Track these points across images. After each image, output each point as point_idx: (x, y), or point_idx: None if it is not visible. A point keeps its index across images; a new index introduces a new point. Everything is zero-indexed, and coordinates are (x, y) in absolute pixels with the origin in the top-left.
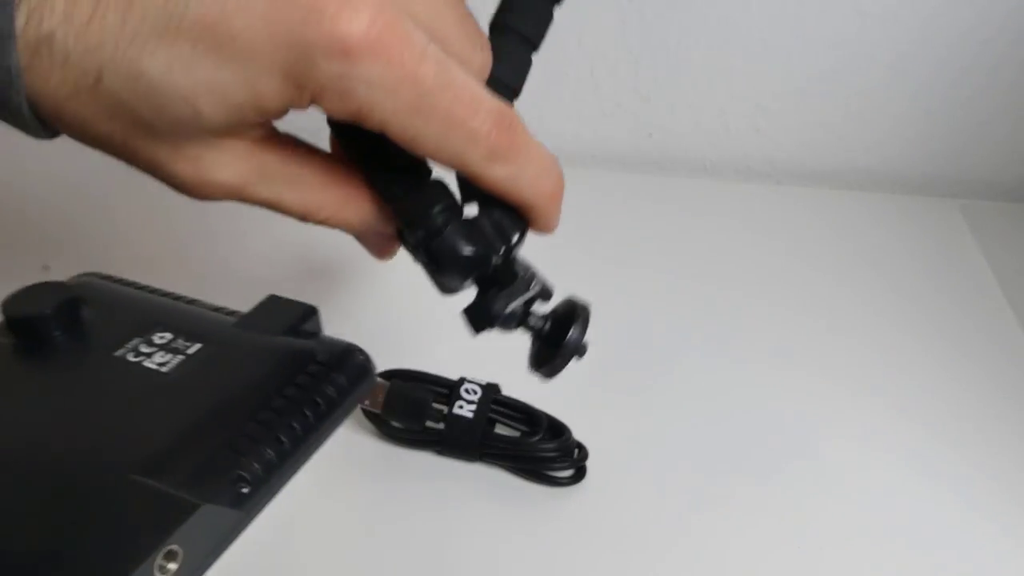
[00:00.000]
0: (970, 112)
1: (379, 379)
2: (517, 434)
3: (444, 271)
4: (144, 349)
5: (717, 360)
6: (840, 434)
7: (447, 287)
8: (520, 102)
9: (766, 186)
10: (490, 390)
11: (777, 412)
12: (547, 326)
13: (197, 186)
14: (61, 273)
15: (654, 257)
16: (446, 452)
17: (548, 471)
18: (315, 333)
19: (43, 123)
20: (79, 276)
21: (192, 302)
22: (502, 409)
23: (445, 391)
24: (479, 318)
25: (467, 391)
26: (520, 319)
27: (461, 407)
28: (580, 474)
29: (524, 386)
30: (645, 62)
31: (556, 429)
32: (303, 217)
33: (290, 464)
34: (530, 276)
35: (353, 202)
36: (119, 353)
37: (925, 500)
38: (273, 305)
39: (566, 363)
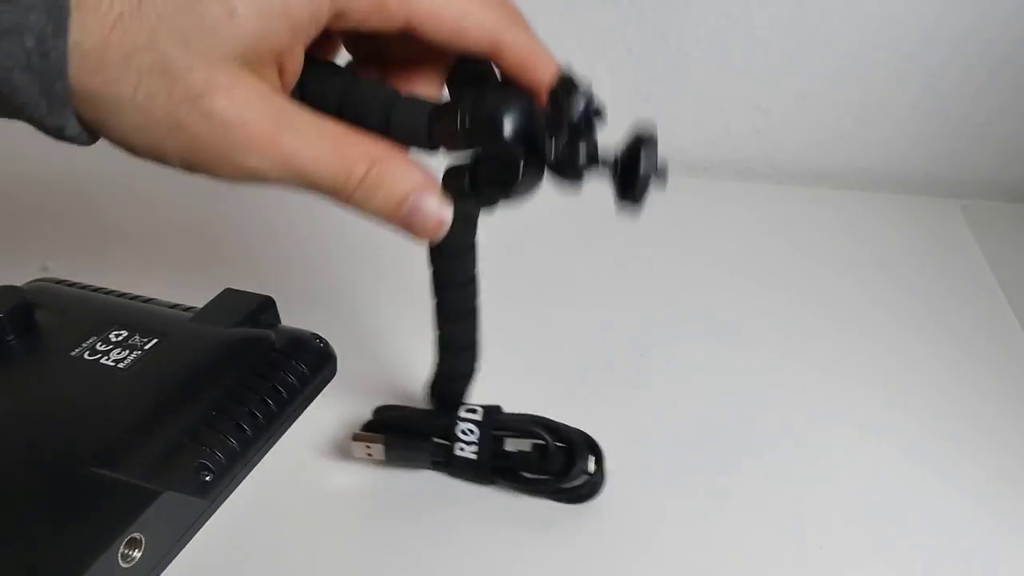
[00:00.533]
0: (971, 112)
1: (369, 436)
2: (528, 448)
3: (498, 136)
4: (100, 347)
5: (717, 360)
6: (844, 435)
7: (508, 160)
8: None
9: (766, 186)
10: (490, 417)
11: (778, 413)
12: (620, 156)
13: (231, 124)
14: (60, 274)
15: (654, 257)
16: (457, 475)
17: (564, 484)
18: (273, 324)
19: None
20: (32, 282)
21: (148, 301)
22: (506, 432)
23: (442, 424)
24: (567, 171)
25: (464, 432)
26: (591, 155)
27: (462, 449)
28: (597, 487)
29: (537, 396)
30: (645, 62)
31: (570, 440)
32: (335, 180)
33: (252, 451)
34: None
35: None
36: (76, 352)
37: (926, 500)
38: (229, 298)
39: (647, 187)
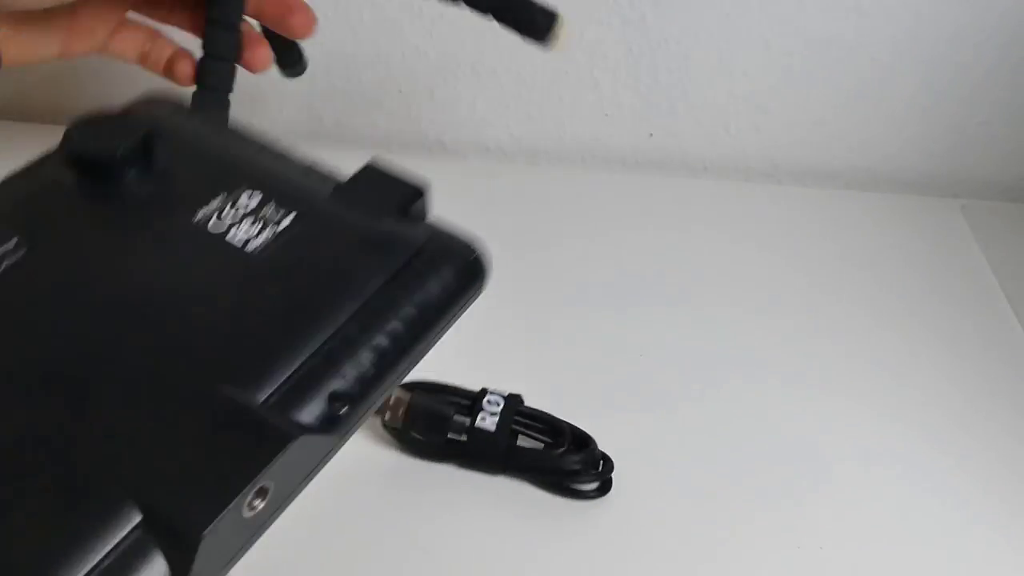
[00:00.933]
0: (971, 111)
1: (400, 391)
2: (541, 446)
3: None
4: (228, 214)
5: (718, 361)
6: (844, 435)
7: None
8: (520, 101)
9: (766, 186)
10: (513, 401)
11: (778, 413)
12: None
13: None
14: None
15: (654, 257)
16: (468, 465)
17: (573, 484)
18: (422, 218)
19: None
20: (147, 100)
21: (280, 157)
22: (525, 420)
23: (467, 403)
24: None
25: (490, 403)
26: None
27: (484, 419)
28: (605, 487)
29: (547, 396)
30: (645, 62)
31: (581, 441)
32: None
33: (388, 380)
34: None
35: None
36: (199, 217)
37: (926, 501)
38: (375, 176)
39: None
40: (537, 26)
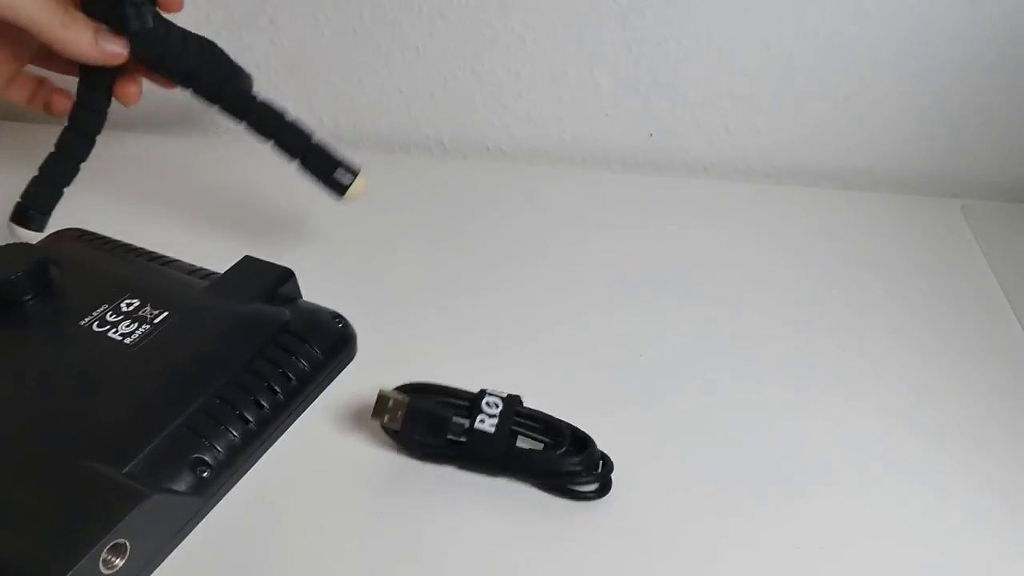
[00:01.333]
0: (970, 111)
1: (398, 394)
2: (540, 447)
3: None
4: (110, 318)
5: (718, 361)
6: (843, 436)
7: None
8: (521, 102)
9: (766, 186)
10: (512, 402)
11: (778, 413)
12: None
13: None
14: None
15: (654, 257)
16: (468, 466)
17: (573, 485)
18: (294, 298)
19: None
20: (56, 232)
21: (168, 263)
22: (525, 421)
23: (466, 404)
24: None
25: (488, 404)
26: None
27: (483, 421)
28: (605, 488)
29: (546, 396)
30: (645, 62)
31: (580, 441)
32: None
33: (256, 444)
34: None
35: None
36: (85, 322)
37: (925, 501)
38: (248, 267)
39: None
40: (336, 183)
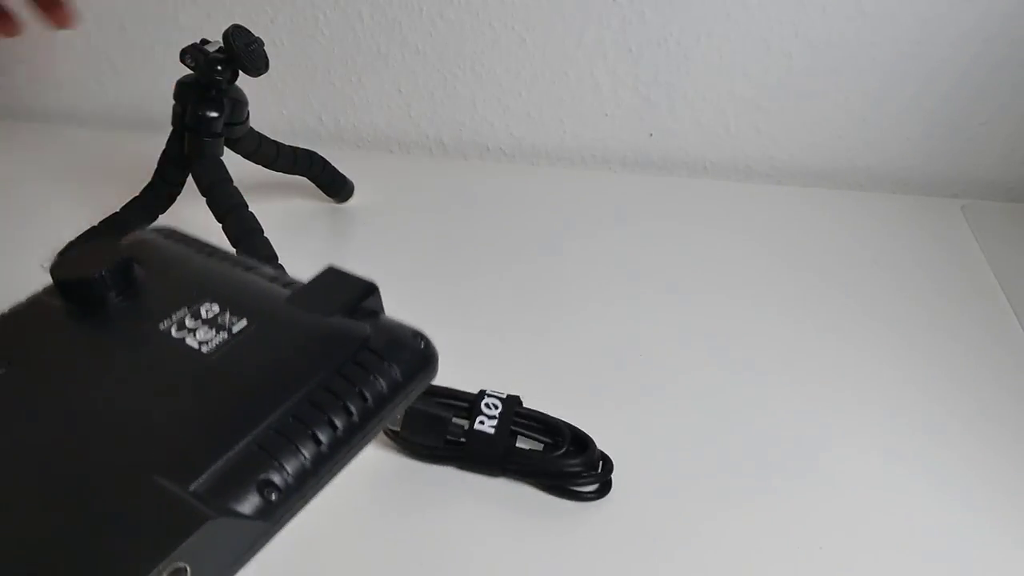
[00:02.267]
0: (971, 112)
1: None
2: (540, 447)
3: None
4: (189, 323)
5: (719, 361)
6: (844, 436)
7: None
8: (521, 102)
9: (766, 186)
10: (512, 402)
11: (778, 413)
12: None
13: None
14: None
15: (654, 257)
16: (468, 467)
17: (573, 486)
18: (375, 313)
19: None
20: (145, 230)
21: (250, 268)
22: (524, 421)
23: (465, 405)
24: None
25: (488, 405)
26: None
27: (482, 422)
28: (605, 488)
29: (546, 396)
30: (645, 62)
31: (580, 441)
32: None
33: (327, 468)
34: None
35: None
36: (164, 326)
37: (925, 500)
38: (331, 279)
39: None
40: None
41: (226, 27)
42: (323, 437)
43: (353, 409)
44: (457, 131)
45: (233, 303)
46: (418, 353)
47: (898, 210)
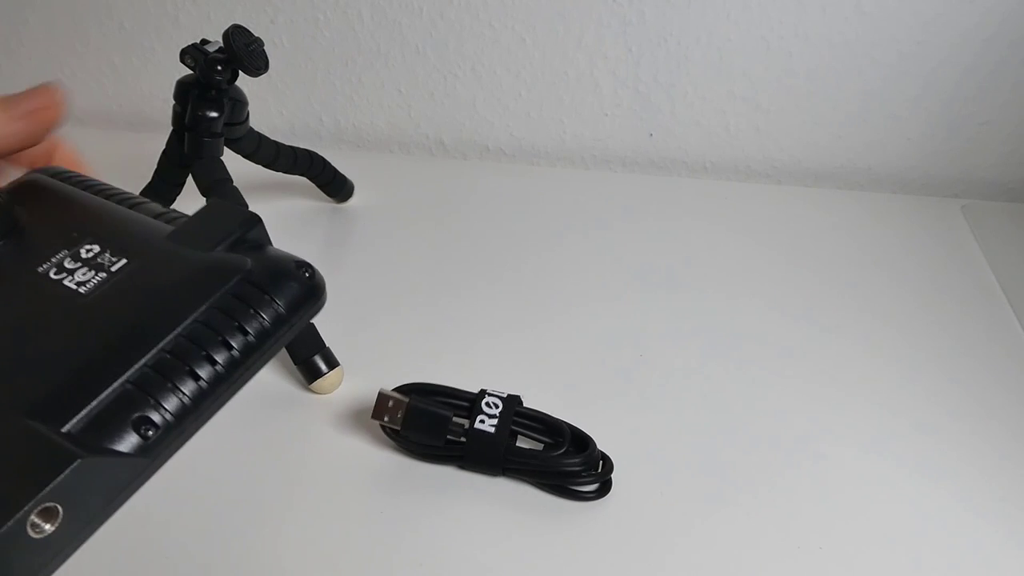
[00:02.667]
0: (971, 112)
1: (398, 395)
2: (540, 446)
3: None
4: (68, 264)
5: (718, 361)
6: (843, 436)
7: None
8: (521, 102)
9: (766, 186)
10: (512, 402)
11: (778, 413)
12: None
13: None
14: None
15: (654, 257)
16: (468, 466)
17: (573, 485)
18: (261, 246)
19: None
20: (31, 171)
21: (137, 205)
22: (524, 421)
23: (466, 404)
24: None
25: (488, 404)
26: None
27: (483, 421)
28: (605, 488)
29: (546, 396)
30: (645, 62)
31: (580, 441)
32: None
33: (208, 404)
34: None
35: None
36: (43, 268)
37: (924, 500)
38: (214, 211)
39: None
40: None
41: (226, 27)
42: (202, 373)
43: (234, 343)
44: (457, 131)
45: (113, 242)
46: (303, 284)
47: (898, 210)
